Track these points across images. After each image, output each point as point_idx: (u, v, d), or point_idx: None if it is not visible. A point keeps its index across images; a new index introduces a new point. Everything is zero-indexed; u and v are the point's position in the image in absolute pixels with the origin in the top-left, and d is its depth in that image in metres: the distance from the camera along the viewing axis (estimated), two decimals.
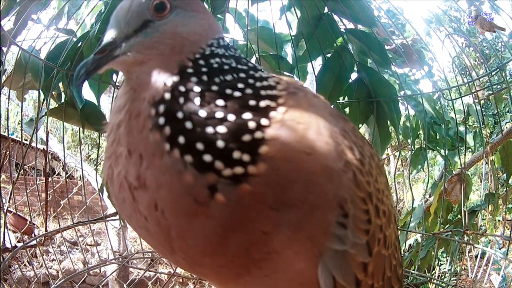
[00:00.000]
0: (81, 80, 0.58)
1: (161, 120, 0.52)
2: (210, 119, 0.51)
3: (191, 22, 0.61)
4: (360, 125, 1.60)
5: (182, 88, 0.54)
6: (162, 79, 0.55)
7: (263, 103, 0.54)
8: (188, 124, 0.51)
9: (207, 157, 0.50)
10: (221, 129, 0.51)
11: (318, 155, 0.52)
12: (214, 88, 0.54)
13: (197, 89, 0.54)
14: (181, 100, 0.53)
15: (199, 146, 0.50)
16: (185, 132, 0.51)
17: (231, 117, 0.52)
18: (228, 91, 0.54)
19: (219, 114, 0.52)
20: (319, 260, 0.55)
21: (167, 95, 0.54)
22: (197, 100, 0.53)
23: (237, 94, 0.54)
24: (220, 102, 0.53)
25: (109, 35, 0.60)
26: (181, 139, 0.51)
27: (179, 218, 0.52)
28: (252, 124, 0.52)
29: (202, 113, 0.52)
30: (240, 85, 0.55)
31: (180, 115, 0.52)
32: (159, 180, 0.51)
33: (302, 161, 0.51)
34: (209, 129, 0.51)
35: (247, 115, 0.52)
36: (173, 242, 0.54)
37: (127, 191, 0.54)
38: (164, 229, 0.53)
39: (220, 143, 0.50)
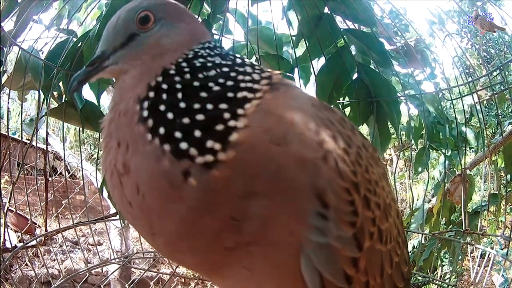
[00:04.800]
0: (74, 89, 0.68)
1: (145, 113, 0.57)
2: (189, 110, 0.56)
3: (174, 32, 0.66)
4: (360, 125, 1.60)
5: (164, 86, 0.59)
6: (146, 80, 0.61)
7: (240, 94, 0.58)
8: (170, 115, 0.56)
9: (183, 145, 0.54)
10: (200, 117, 0.55)
11: (289, 145, 0.54)
12: (196, 83, 0.59)
13: (178, 85, 0.59)
14: (164, 96, 0.58)
15: (177, 134, 0.55)
16: (166, 123, 0.56)
17: (209, 106, 0.56)
18: (210, 84, 0.59)
19: (197, 105, 0.56)
20: (300, 253, 0.54)
21: (151, 94, 0.59)
22: (179, 94, 0.58)
23: (216, 87, 0.58)
24: (203, 94, 0.57)
25: (100, 48, 0.68)
26: (161, 130, 0.56)
27: (157, 201, 0.56)
28: (226, 115, 0.55)
29: (182, 104, 0.57)
30: (221, 79, 0.60)
31: (162, 107, 0.57)
32: (141, 165, 0.56)
33: (271, 150, 0.53)
34: (186, 120, 0.55)
35: (223, 106, 0.56)
36: (153, 225, 0.58)
37: (116, 177, 0.59)
38: (145, 212, 0.57)
39: (197, 133, 0.55)
